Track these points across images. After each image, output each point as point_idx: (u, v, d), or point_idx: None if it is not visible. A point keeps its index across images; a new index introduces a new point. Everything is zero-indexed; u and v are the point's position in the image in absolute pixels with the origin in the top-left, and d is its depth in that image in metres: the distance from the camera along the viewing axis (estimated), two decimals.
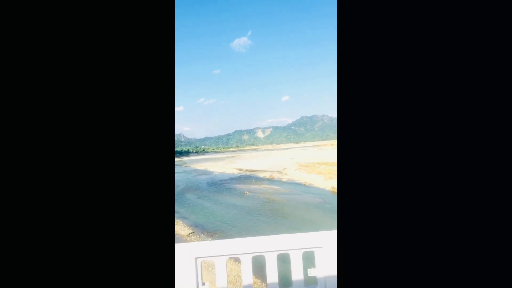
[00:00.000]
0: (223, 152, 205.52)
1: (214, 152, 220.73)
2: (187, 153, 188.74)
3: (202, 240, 13.49)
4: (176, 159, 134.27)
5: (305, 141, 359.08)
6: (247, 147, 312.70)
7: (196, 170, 55.49)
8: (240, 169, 48.86)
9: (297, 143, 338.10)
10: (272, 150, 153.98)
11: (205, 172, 49.43)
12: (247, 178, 37.09)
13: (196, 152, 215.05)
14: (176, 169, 62.12)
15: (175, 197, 26.72)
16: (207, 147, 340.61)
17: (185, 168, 61.69)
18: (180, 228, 15.66)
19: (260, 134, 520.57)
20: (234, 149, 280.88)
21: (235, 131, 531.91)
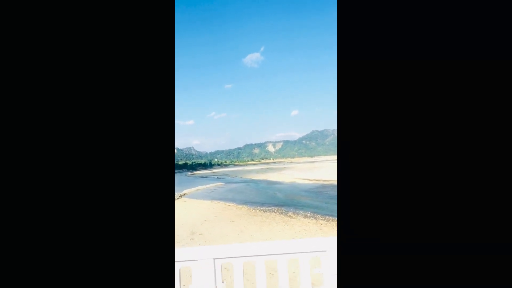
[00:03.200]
0: (245, 165, 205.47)
1: (234, 165, 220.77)
2: (210, 165, 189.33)
3: None
4: (209, 171, 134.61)
5: (319, 155, 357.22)
6: (268, 160, 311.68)
7: (259, 180, 55.50)
8: (308, 179, 48.90)
9: (311, 157, 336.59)
10: (298, 163, 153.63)
11: (273, 183, 49.39)
12: (334, 187, 37.09)
13: (218, 165, 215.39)
14: (236, 180, 62.23)
15: (293, 203, 26.89)
16: (223, 160, 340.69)
17: (242, 179, 61.73)
18: None
19: (270, 148, 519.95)
20: (254, 162, 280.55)
21: (246, 145, 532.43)
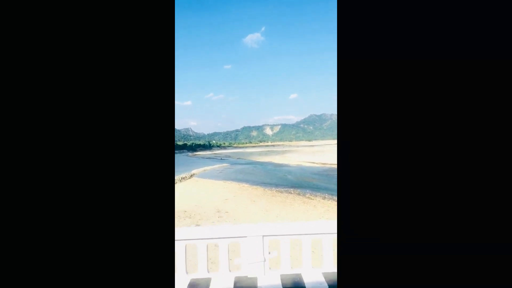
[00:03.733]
0: (244, 147, 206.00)
1: (234, 147, 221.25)
2: (210, 147, 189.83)
3: None
4: (209, 152, 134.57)
5: (316, 139, 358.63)
6: (266, 143, 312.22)
7: (264, 163, 55.93)
8: (313, 162, 49.47)
9: (309, 140, 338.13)
10: (297, 147, 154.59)
11: (280, 165, 49.83)
12: None
13: (218, 146, 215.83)
14: (240, 161, 62.51)
15: (308, 185, 27.34)
16: (221, 142, 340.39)
17: (247, 161, 62.16)
18: None
19: (268, 131, 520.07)
20: (252, 144, 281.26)
21: (244, 127, 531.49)
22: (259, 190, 24.47)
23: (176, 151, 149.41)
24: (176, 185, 34.18)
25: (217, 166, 53.28)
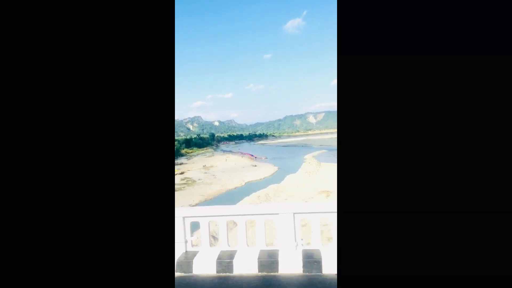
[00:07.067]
0: (295, 136, 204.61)
1: (286, 137, 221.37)
2: (265, 136, 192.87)
3: None
4: (271, 141, 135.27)
5: None
6: (320, 131, 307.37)
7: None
8: None
9: None
10: None
11: None
12: None
13: (273, 136, 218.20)
14: (332, 147, 61.64)
15: None
16: (264, 131, 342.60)
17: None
18: None
19: (311, 119, 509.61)
20: (304, 133, 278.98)
21: (286, 117, 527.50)
22: None
23: (236, 141, 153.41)
24: (326, 166, 34.11)
25: (318, 152, 53.01)
